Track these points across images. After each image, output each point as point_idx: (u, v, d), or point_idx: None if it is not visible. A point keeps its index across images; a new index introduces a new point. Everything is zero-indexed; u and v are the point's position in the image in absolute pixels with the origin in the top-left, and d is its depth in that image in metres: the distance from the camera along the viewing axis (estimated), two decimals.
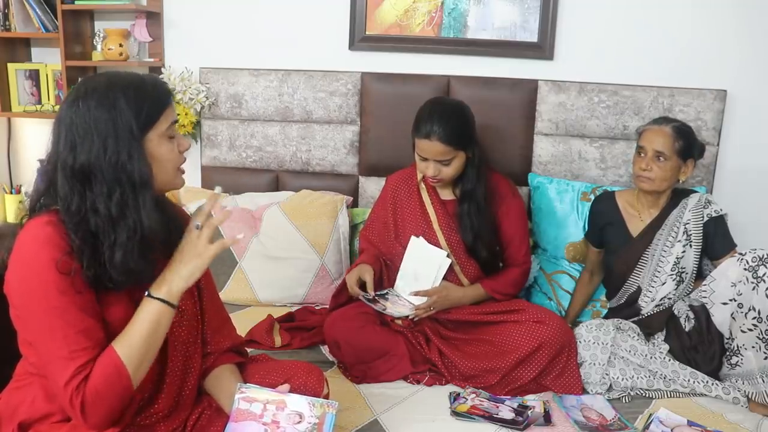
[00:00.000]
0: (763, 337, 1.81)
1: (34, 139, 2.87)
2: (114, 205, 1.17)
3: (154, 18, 2.74)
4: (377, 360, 1.96)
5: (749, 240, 2.23)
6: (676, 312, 2.04)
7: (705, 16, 2.48)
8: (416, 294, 2.06)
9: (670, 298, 2.06)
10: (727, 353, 1.92)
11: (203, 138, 2.78)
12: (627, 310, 2.13)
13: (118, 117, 1.18)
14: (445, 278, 2.09)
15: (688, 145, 2.08)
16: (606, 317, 2.21)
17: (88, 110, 1.17)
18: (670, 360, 1.94)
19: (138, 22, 2.72)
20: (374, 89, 2.62)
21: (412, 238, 2.12)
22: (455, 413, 1.76)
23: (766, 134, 2.54)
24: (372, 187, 2.69)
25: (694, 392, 1.90)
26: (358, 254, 2.33)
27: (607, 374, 1.91)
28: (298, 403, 1.30)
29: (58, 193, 1.19)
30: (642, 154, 2.10)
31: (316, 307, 2.38)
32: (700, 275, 2.10)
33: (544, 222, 2.48)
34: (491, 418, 1.73)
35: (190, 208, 2.52)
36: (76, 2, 2.60)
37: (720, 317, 1.91)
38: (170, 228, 1.35)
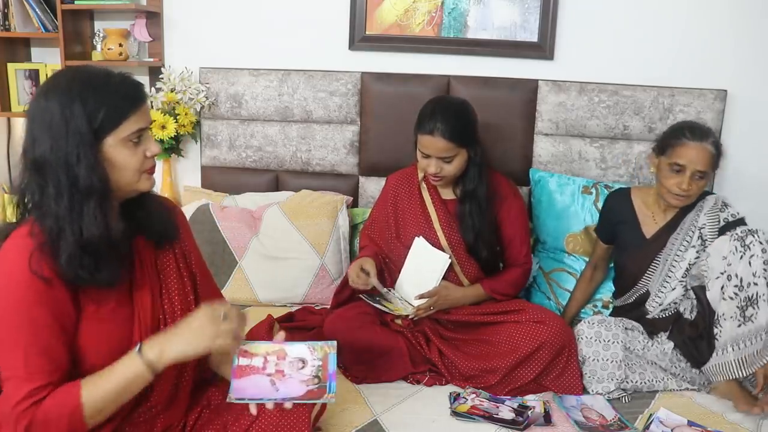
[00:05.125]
0: (741, 305, 1.82)
1: None
2: (62, 207, 1.17)
3: (154, 18, 2.74)
4: (377, 360, 1.96)
5: None
6: (681, 309, 2.02)
7: (705, 16, 2.48)
8: (418, 297, 2.06)
9: (676, 303, 2.02)
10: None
11: (203, 138, 2.78)
12: (634, 311, 2.09)
13: (71, 120, 1.16)
14: (445, 278, 2.09)
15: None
16: (611, 315, 2.19)
17: (47, 108, 1.17)
18: (677, 357, 1.96)
19: (138, 22, 2.72)
20: (374, 89, 2.62)
21: (416, 239, 2.12)
22: (455, 413, 1.76)
23: (766, 134, 2.54)
24: (372, 187, 2.69)
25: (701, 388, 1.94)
26: (359, 252, 2.33)
27: (609, 372, 1.91)
28: (299, 349, 1.29)
29: (26, 186, 1.20)
30: (678, 171, 1.95)
31: (316, 307, 2.38)
32: None
33: (543, 214, 2.47)
34: (491, 418, 1.74)
35: (189, 208, 2.53)
36: (75, 2, 2.60)
37: (713, 292, 1.88)
38: (155, 220, 1.35)
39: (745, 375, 1.83)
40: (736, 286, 1.83)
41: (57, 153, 1.16)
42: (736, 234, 1.86)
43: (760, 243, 1.83)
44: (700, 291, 1.94)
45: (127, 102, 1.21)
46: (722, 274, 1.86)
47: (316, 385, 1.26)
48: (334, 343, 1.31)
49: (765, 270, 1.81)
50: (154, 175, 1.31)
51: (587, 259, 2.35)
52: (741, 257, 1.83)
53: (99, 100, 1.18)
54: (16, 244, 1.18)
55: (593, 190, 2.42)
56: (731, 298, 1.83)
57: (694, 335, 1.94)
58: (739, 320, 1.82)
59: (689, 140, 1.95)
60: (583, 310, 2.32)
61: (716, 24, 2.48)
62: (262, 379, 1.27)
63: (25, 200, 1.22)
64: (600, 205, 2.38)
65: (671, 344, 1.98)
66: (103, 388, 1.17)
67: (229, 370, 1.33)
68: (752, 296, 1.81)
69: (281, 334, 1.36)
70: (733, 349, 1.82)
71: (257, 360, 1.29)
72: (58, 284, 1.17)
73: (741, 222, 1.99)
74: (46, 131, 1.16)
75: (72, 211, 1.17)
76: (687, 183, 1.94)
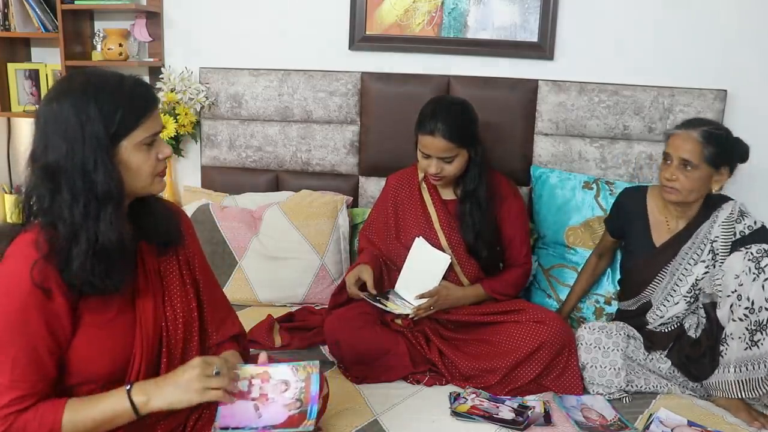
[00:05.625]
0: (750, 328, 1.77)
1: None
2: (77, 213, 1.15)
3: (154, 18, 2.74)
4: (377, 360, 1.96)
5: None
6: (686, 326, 1.97)
7: (705, 16, 2.48)
8: (418, 297, 2.06)
9: (679, 317, 1.98)
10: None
11: (203, 138, 2.78)
12: (635, 318, 2.05)
13: (87, 124, 1.14)
14: (445, 278, 2.09)
15: (722, 151, 1.89)
16: (614, 318, 2.18)
17: (61, 111, 1.15)
18: (674, 373, 1.95)
19: (138, 22, 2.72)
20: (374, 89, 2.62)
21: (416, 239, 2.12)
22: (455, 413, 1.76)
23: (766, 134, 2.54)
24: (372, 187, 2.69)
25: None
26: (358, 254, 2.33)
27: (607, 379, 1.90)
28: (282, 371, 1.29)
29: (34, 191, 1.18)
30: (668, 161, 1.93)
31: (316, 307, 2.39)
32: None
33: (544, 208, 2.47)
34: (491, 418, 1.74)
35: (189, 208, 2.53)
36: (75, 2, 2.60)
37: (723, 310, 1.83)
38: (160, 226, 1.34)
39: (746, 397, 1.80)
40: (746, 308, 1.77)
41: (73, 158, 1.14)
42: (751, 253, 1.79)
43: None
44: (710, 308, 1.88)
45: (143, 105, 1.21)
46: (733, 293, 1.80)
47: (298, 410, 1.27)
48: (317, 363, 1.31)
49: None
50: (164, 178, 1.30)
51: (588, 252, 2.32)
52: (754, 279, 1.77)
53: (115, 103, 1.17)
54: (19, 252, 1.16)
55: (594, 186, 2.43)
56: (741, 320, 1.78)
57: (695, 355, 1.89)
58: (747, 343, 1.78)
59: (677, 129, 1.96)
60: (585, 306, 2.31)
61: (716, 24, 2.48)
62: (246, 405, 1.28)
63: (30, 204, 1.20)
64: (601, 200, 2.38)
65: (668, 363, 1.96)
66: (86, 415, 1.17)
67: None
68: (762, 321, 1.76)
69: (263, 356, 1.35)
70: (734, 371, 1.79)
71: (242, 384, 1.29)
72: (59, 296, 1.16)
73: (759, 233, 1.89)
74: (60, 136, 1.14)
75: (87, 217, 1.15)
76: (670, 172, 1.91)
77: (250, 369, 1.30)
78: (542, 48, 2.56)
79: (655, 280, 2.00)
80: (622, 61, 2.55)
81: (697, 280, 1.92)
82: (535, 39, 2.56)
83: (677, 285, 1.96)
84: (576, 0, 2.53)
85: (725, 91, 2.47)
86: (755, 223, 1.91)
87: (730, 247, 1.88)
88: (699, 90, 2.47)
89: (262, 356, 1.36)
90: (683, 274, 1.95)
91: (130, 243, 1.24)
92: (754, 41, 2.48)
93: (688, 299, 1.95)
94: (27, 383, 1.15)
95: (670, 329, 1.99)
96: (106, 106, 1.16)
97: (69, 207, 1.15)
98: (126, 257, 1.23)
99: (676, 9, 2.49)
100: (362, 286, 2.06)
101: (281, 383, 1.27)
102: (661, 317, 1.99)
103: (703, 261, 1.92)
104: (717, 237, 1.91)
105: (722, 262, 1.87)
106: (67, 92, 1.16)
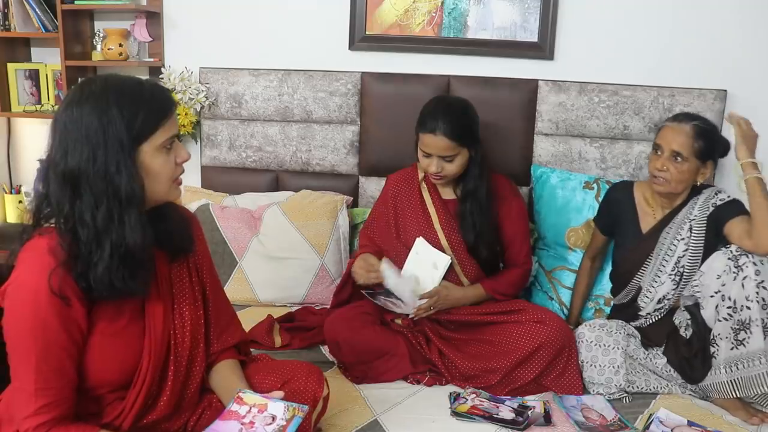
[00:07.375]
0: (734, 328, 1.79)
1: (34, 139, 2.87)
2: (100, 218, 1.14)
3: (153, 18, 2.74)
4: (377, 360, 1.96)
5: None
6: (677, 323, 2.00)
7: (705, 15, 2.48)
8: (418, 297, 2.06)
9: (668, 299, 2.01)
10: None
11: (203, 138, 2.78)
12: (628, 309, 2.09)
13: (109, 127, 1.14)
14: (445, 278, 2.09)
15: (709, 145, 1.96)
16: (610, 316, 2.19)
17: (81, 116, 1.14)
18: (672, 374, 1.95)
19: (138, 22, 2.72)
20: (374, 89, 2.62)
21: (417, 239, 2.12)
22: (455, 413, 1.76)
23: (766, 134, 2.53)
24: (372, 187, 2.69)
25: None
26: (358, 251, 2.32)
27: (606, 377, 1.91)
28: (276, 407, 1.32)
29: (51, 197, 1.17)
30: (658, 152, 1.99)
31: (316, 308, 2.39)
32: None
33: (544, 209, 2.47)
34: (491, 418, 1.74)
35: (189, 208, 2.53)
36: (75, 2, 2.60)
37: (709, 311, 1.86)
38: (174, 233, 1.34)
39: (741, 396, 1.80)
40: (729, 307, 1.79)
41: (95, 162, 1.13)
42: (731, 252, 1.81)
43: (754, 264, 1.77)
44: (695, 309, 1.91)
45: (162, 107, 1.21)
46: (716, 293, 1.82)
47: None
48: (306, 407, 1.33)
49: (758, 293, 1.76)
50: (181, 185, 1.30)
51: None
52: (734, 278, 1.79)
53: (135, 106, 1.17)
54: (34, 259, 1.16)
55: (594, 186, 2.42)
56: (725, 319, 1.80)
57: (688, 355, 1.91)
58: (732, 343, 1.79)
59: (668, 122, 2.02)
60: (585, 307, 2.31)
61: (716, 24, 2.48)
62: (235, 426, 1.30)
63: (41, 208, 1.19)
64: (601, 199, 2.38)
65: (665, 359, 1.97)
66: None
67: (222, 393, 1.39)
68: (745, 320, 1.77)
69: (279, 393, 1.36)
70: (725, 371, 1.80)
71: (244, 409, 1.32)
72: (76, 303, 1.16)
73: (731, 204, 1.93)
74: (81, 140, 1.14)
75: (111, 221, 1.15)
76: (661, 162, 1.97)
77: (254, 398, 1.33)
78: (542, 48, 2.56)
79: (644, 266, 2.04)
80: (622, 61, 2.55)
81: (679, 258, 1.97)
82: (535, 39, 2.56)
83: (663, 265, 2.00)
84: (576, 0, 2.53)
85: (725, 91, 2.47)
86: (728, 197, 1.96)
87: (705, 221, 1.94)
88: (699, 90, 2.47)
89: (278, 393, 1.35)
90: (668, 254, 1.99)
91: (150, 247, 1.24)
92: (754, 41, 2.48)
93: (673, 277, 1.98)
94: (52, 390, 1.15)
95: (661, 319, 2.01)
96: (127, 109, 1.16)
97: (91, 211, 1.14)
98: (149, 260, 1.23)
99: (676, 9, 2.49)
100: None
101: (270, 417, 1.30)
102: (651, 300, 2.01)
103: (683, 239, 1.97)
104: (696, 216, 1.97)
105: (696, 237, 1.94)
106: (87, 97, 1.16)
